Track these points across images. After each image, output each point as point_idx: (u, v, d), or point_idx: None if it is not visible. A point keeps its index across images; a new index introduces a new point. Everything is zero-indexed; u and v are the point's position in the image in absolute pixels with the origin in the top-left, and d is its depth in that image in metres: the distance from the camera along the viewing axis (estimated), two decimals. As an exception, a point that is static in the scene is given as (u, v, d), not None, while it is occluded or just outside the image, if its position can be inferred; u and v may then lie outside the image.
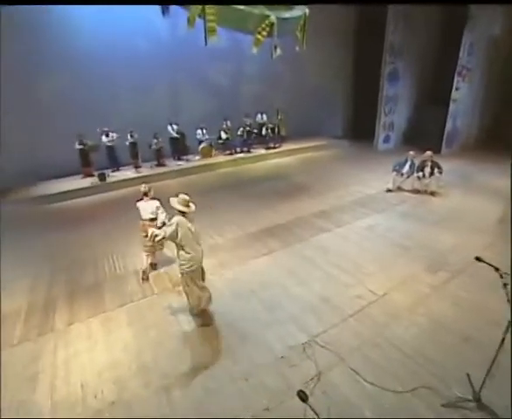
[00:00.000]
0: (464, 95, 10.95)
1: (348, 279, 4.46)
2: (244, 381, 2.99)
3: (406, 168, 7.63)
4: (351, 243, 5.49)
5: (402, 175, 7.66)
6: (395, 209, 6.85)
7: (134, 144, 9.93)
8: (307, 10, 7.21)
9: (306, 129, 13.37)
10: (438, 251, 5.11)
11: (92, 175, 9.33)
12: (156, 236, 3.52)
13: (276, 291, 4.28)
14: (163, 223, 4.41)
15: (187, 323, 3.78)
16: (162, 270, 4.94)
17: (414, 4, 10.63)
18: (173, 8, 6.57)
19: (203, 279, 3.86)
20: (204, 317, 3.83)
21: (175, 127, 10.64)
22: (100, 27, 9.34)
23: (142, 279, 4.65)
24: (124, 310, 4.05)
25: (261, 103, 12.37)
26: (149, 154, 10.27)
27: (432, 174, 7.28)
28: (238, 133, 11.72)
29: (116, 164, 9.98)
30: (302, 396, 1.48)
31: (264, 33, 6.42)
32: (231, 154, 11.75)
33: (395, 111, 12.13)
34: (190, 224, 3.62)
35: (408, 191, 7.66)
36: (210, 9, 5.79)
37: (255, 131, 12.08)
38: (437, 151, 8.40)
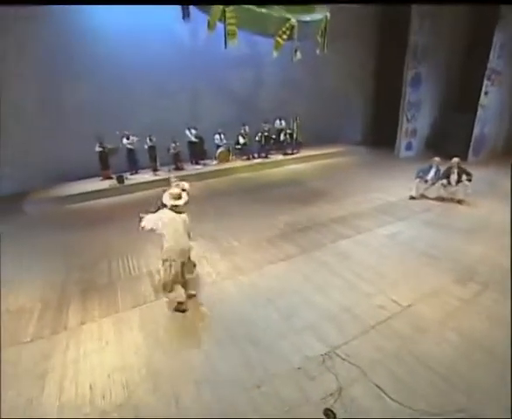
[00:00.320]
0: (493, 100, 10.47)
1: (369, 288, 4.22)
2: (257, 390, 2.81)
3: (431, 174, 7.29)
4: (372, 251, 5.23)
5: (426, 181, 7.33)
6: (418, 217, 6.52)
7: (152, 147, 10.02)
8: (328, 14, 7.09)
9: (324, 135, 13.16)
10: (466, 262, 4.79)
11: (110, 178, 9.46)
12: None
13: (293, 299, 4.09)
14: None
15: (201, 328, 3.64)
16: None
17: (428, 4, 10.33)
18: (193, 12, 6.60)
19: (183, 275, 3.86)
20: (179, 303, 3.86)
21: (193, 131, 10.69)
22: (122, 33, 9.53)
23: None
24: (137, 311, 3.95)
25: (280, 109, 12.26)
26: (168, 157, 10.34)
27: (459, 181, 6.91)
28: (256, 138, 11.67)
29: (135, 167, 10.10)
30: (330, 416, 1.29)
31: (284, 36, 6.33)
32: (248, 159, 11.69)
33: (418, 117, 11.74)
34: (177, 216, 3.72)
35: (432, 199, 7.30)
36: (230, 12, 5.77)
37: (273, 137, 11.99)
38: (463, 159, 8.02)
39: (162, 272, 3.85)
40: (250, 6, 5.92)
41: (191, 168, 10.68)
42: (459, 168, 6.97)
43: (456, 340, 3.31)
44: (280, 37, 6.30)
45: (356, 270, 4.68)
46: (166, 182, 8.30)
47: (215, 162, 11.24)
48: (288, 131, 12.06)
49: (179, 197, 3.78)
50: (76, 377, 3.04)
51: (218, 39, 5.99)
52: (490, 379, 2.84)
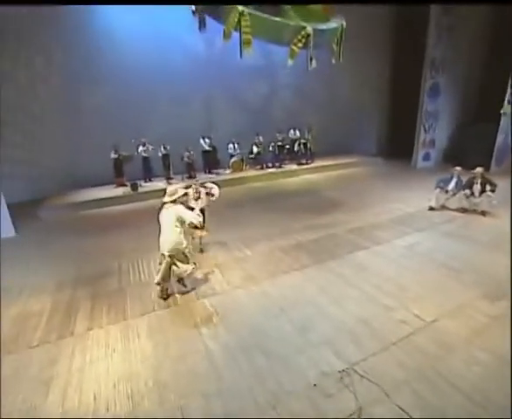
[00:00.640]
0: (516, 108, 10.10)
1: (389, 301, 3.97)
2: (271, 409, 2.62)
3: (452, 184, 7.00)
4: (391, 263, 4.99)
5: (447, 192, 7.03)
6: (439, 229, 6.23)
7: (166, 156, 10.09)
8: (343, 22, 7.02)
9: (338, 146, 13.02)
10: (493, 276, 4.47)
11: (124, 185, 9.54)
12: None
13: (308, 311, 3.89)
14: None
15: (211, 338, 3.48)
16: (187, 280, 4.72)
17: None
18: (209, 22, 6.66)
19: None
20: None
21: (207, 140, 10.73)
22: (139, 42, 9.77)
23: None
24: (145, 319, 3.83)
25: (294, 119, 12.22)
26: (181, 166, 10.38)
27: (482, 192, 6.60)
28: (270, 148, 11.62)
29: (150, 175, 10.18)
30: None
31: (299, 45, 6.27)
32: (262, 168, 11.63)
33: (436, 127, 11.45)
34: (168, 209, 4.10)
35: (454, 210, 6.99)
36: (245, 21, 5.77)
37: (287, 146, 11.93)
38: (485, 169, 7.68)
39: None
40: (265, 15, 5.92)
41: (204, 177, 10.65)
42: (482, 178, 6.67)
43: (485, 359, 3.04)
44: (296, 45, 6.25)
45: (373, 282, 4.45)
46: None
47: (228, 171, 11.21)
48: (302, 141, 11.96)
49: (172, 194, 4.20)
50: (80, 385, 2.92)
51: (233, 49, 6.01)
52: (528, 405, 2.56)
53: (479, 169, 6.77)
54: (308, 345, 3.32)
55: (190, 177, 10.51)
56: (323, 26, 6.72)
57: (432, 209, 7.08)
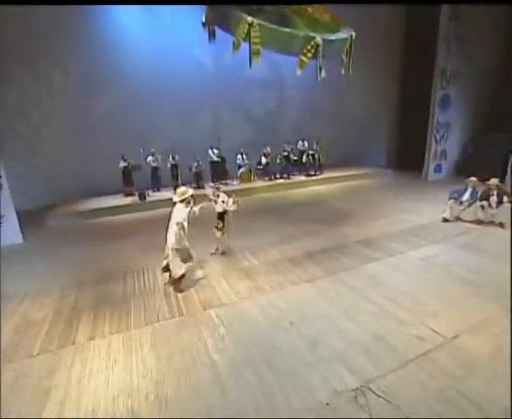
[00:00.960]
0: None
1: (405, 316, 3.76)
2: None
3: (467, 195, 6.77)
4: (406, 275, 4.77)
5: (461, 203, 6.81)
6: (455, 241, 5.99)
7: (175, 166, 10.09)
8: (353, 33, 6.99)
9: (347, 157, 12.90)
10: (514, 290, 4.23)
11: (132, 195, 9.55)
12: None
13: (319, 324, 3.69)
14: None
15: (217, 351, 3.31)
16: (192, 288, 4.59)
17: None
18: (218, 33, 6.71)
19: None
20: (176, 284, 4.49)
21: (215, 151, 10.72)
22: (148, 54, 9.91)
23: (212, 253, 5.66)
24: (149, 330, 3.69)
25: (302, 130, 12.19)
26: (190, 176, 10.36)
27: (500, 203, 6.36)
28: (278, 160, 11.57)
29: (158, 184, 10.19)
30: None
31: (309, 55, 6.23)
32: (270, 179, 11.55)
33: (447, 139, 11.25)
34: (179, 210, 4.39)
35: (469, 222, 6.75)
36: (254, 32, 5.77)
37: (295, 158, 11.85)
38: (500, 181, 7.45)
39: None
40: (274, 26, 5.93)
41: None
42: (499, 188, 6.44)
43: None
44: (305, 55, 6.20)
45: (388, 295, 4.24)
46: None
47: (236, 182, 11.15)
48: (311, 152, 11.88)
49: (182, 194, 4.51)
50: (79, 397, 2.77)
51: (242, 61, 6.02)
52: None
53: (494, 180, 6.54)
54: (319, 360, 3.13)
55: (198, 187, 10.48)
56: (332, 37, 6.69)
57: (445, 220, 6.85)
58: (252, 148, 11.24)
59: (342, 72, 6.97)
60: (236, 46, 5.92)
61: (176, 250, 4.34)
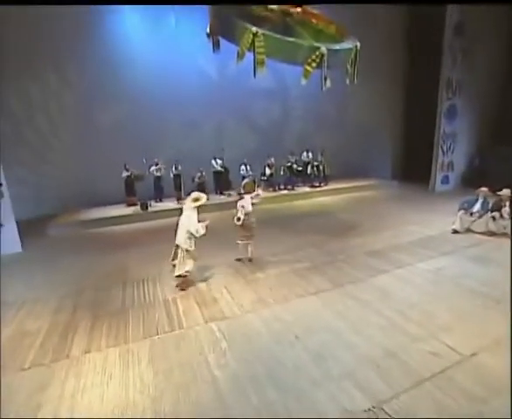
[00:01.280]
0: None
1: (416, 330, 3.58)
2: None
3: (477, 206, 6.60)
4: (415, 288, 4.60)
5: (471, 214, 6.64)
6: (465, 252, 5.81)
7: (178, 176, 10.04)
8: (358, 43, 6.99)
9: (352, 169, 12.79)
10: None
11: (135, 204, 9.49)
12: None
13: (325, 338, 3.52)
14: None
15: (218, 367, 3.14)
16: (194, 300, 4.45)
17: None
18: (222, 45, 6.75)
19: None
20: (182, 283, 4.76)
21: (219, 161, 10.68)
22: (152, 63, 9.96)
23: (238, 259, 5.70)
24: (147, 343, 3.54)
25: (306, 141, 12.15)
26: (193, 186, 10.29)
27: (513, 214, 6.20)
28: (281, 172, 11.52)
29: (161, 195, 10.14)
30: None
31: (314, 64, 6.22)
32: (274, 190, 11.45)
33: (454, 150, 11.14)
34: (189, 213, 4.63)
35: (480, 233, 6.57)
36: (259, 42, 5.79)
37: (299, 169, 11.78)
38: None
39: None
40: (278, 35, 5.94)
41: (216, 198, 10.55)
42: (511, 200, 6.27)
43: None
44: (310, 65, 6.19)
45: (397, 308, 4.07)
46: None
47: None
48: (315, 163, 11.82)
49: (196, 200, 4.73)
50: (71, 414, 2.62)
51: (246, 72, 6.03)
52: None
53: (506, 191, 6.38)
54: (327, 377, 2.95)
55: (201, 198, 10.40)
56: (337, 46, 6.69)
57: (455, 232, 6.68)
58: (256, 159, 11.19)
59: (347, 82, 6.95)
60: (240, 56, 5.93)
61: (186, 250, 4.61)
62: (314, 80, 6.19)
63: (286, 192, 11.36)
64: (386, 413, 2.51)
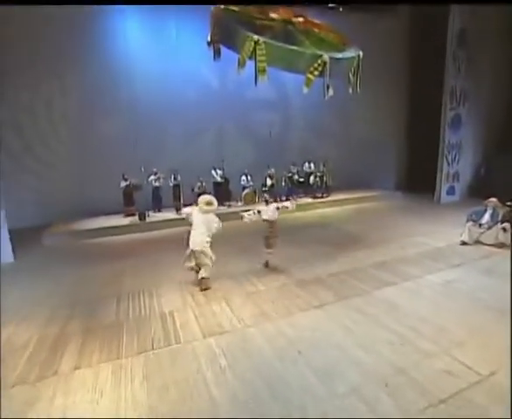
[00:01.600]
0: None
1: (428, 346, 3.42)
2: None
3: (486, 217, 6.50)
4: (425, 301, 4.45)
5: (480, 225, 6.52)
6: (475, 265, 5.67)
7: (177, 186, 9.99)
8: (360, 52, 7.02)
9: (355, 180, 12.75)
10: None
11: (133, 215, 9.40)
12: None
13: (331, 354, 3.36)
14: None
15: (217, 385, 2.98)
16: (192, 313, 4.30)
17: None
18: (223, 54, 6.78)
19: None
20: (202, 283, 4.98)
21: (219, 171, 10.64)
22: (151, 72, 10.05)
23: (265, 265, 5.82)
24: (142, 358, 3.38)
25: (308, 151, 12.16)
26: (192, 197, 10.22)
27: (524, 225, 6.08)
28: (283, 183, 11.47)
29: (159, 205, 10.07)
30: None
31: (316, 73, 6.22)
32: (275, 201, 11.35)
33: (459, 160, 11.10)
34: (205, 216, 4.98)
35: (490, 245, 6.43)
36: (260, 50, 5.80)
37: (300, 180, 11.74)
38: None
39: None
40: (280, 43, 5.96)
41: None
42: (521, 210, 6.18)
43: None
44: (312, 73, 6.19)
45: (406, 322, 3.91)
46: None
47: (240, 204, 10.98)
48: (318, 174, 11.78)
49: (209, 204, 5.08)
50: (57, 438, 2.45)
51: (246, 82, 6.04)
52: None
53: (516, 201, 6.30)
54: (334, 396, 2.79)
55: (201, 209, 10.32)
56: (339, 55, 6.71)
57: (464, 243, 6.55)
58: (257, 169, 11.16)
59: (350, 91, 6.94)
60: (241, 64, 5.94)
61: (203, 252, 4.88)
62: (315, 90, 6.18)
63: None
64: (399, 436, 2.35)
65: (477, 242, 6.57)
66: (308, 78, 6.19)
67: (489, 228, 6.46)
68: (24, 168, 9.26)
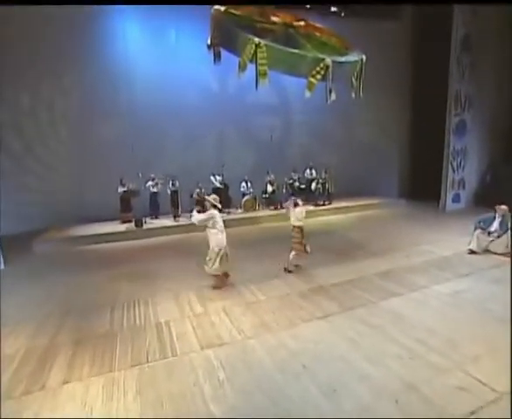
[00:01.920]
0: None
1: (439, 360, 3.29)
2: None
3: (495, 225, 6.40)
4: (433, 312, 4.32)
5: (489, 233, 6.42)
6: (485, 274, 5.55)
7: (175, 192, 9.90)
8: (363, 57, 7.00)
9: (357, 187, 12.66)
10: None
11: (130, 221, 9.30)
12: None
13: (336, 368, 3.24)
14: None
15: (215, 400, 2.85)
16: (189, 324, 4.17)
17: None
18: (223, 59, 6.75)
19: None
20: (218, 280, 5.28)
21: (218, 177, 10.56)
22: (149, 75, 10.05)
23: (285, 269, 5.91)
24: (135, 372, 3.24)
25: (310, 157, 12.09)
26: (191, 203, 10.13)
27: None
28: (284, 190, 11.39)
29: (157, 211, 9.98)
30: None
31: (318, 76, 6.17)
32: (276, 208, 11.27)
33: (465, 166, 11.05)
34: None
35: (499, 254, 6.32)
36: (262, 53, 5.77)
37: (302, 186, 11.67)
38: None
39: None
40: (282, 46, 5.93)
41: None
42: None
43: None
44: (314, 77, 6.14)
45: (415, 334, 3.78)
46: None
47: (240, 211, 10.89)
48: (321, 181, 11.72)
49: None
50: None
51: (246, 86, 6.01)
52: None
53: (527, 209, 6.20)
54: (341, 413, 2.66)
55: (200, 216, 10.21)
56: (342, 59, 6.68)
57: (472, 252, 6.44)
58: (258, 175, 11.10)
59: (353, 95, 6.90)
60: (242, 67, 5.89)
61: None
62: (317, 94, 6.13)
63: (288, 210, 11.16)
64: (412, 459, 2.21)
65: (486, 250, 6.46)
66: (311, 82, 6.14)
67: (499, 236, 6.35)
68: (15, 172, 9.16)
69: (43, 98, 9.41)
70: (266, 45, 5.73)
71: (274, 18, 6.80)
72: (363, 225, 9.70)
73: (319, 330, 3.99)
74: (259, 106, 11.06)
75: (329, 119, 12.03)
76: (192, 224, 9.53)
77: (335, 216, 11.09)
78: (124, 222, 9.42)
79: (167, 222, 9.57)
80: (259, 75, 5.83)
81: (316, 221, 10.58)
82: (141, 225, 8.96)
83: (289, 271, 5.89)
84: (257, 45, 5.66)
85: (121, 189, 9.30)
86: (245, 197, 11.04)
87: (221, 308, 4.61)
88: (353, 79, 6.83)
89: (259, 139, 11.89)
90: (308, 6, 10.40)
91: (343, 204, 11.72)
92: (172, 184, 9.86)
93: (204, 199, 5.66)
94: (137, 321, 4.32)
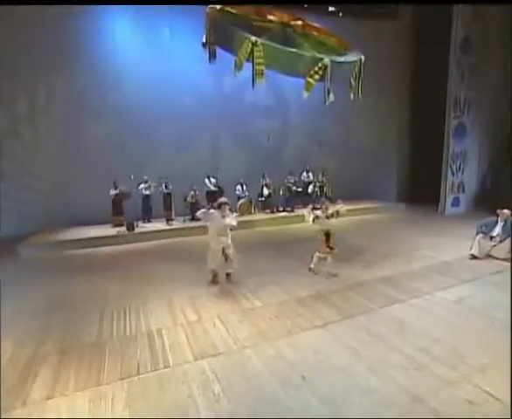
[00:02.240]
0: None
1: (445, 371, 3.19)
2: None
3: (497, 229, 6.37)
4: (437, 320, 4.24)
5: (491, 238, 6.39)
6: (488, 280, 5.50)
7: (168, 195, 9.78)
8: (362, 57, 6.97)
9: (355, 190, 12.60)
10: None
11: (121, 225, 9.15)
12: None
13: (338, 380, 3.12)
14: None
15: (210, 412, 2.72)
16: (183, 333, 4.04)
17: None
18: (219, 54, 6.67)
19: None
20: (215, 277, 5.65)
21: (212, 180, 10.47)
22: (142, 75, 9.97)
23: (310, 269, 6.01)
24: (125, 384, 3.10)
25: (307, 161, 12.09)
26: (184, 207, 10.01)
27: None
28: (281, 193, 11.33)
29: (149, 215, 9.87)
30: None
31: (316, 77, 6.13)
32: (272, 212, 11.21)
33: (464, 170, 11.09)
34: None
35: (502, 259, 6.28)
36: (258, 52, 5.71)
37: (298, 190, 11.62)
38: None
39: None
40: (279, 46, 5.88)
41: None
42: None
43: None
44: (312, 77, 6.10)
45: (419, 344, 3.69)
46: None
47: (235, 214, 10.75)
48: (318, 184, 11.67)
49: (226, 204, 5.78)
50: None
51: (243, 85, 5.94)
52: None
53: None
54: (344, 429, 2.55)
55: (193, 219, 10.08)
56: (341, 59, 6.65)
57: (474, 257, 6.40)
58: (253, 178, 11.03)
59: (351, 96, 6.86)
60: (238, 66, 5.83)
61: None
62: (315, 95, 6.09)
63: (284, 214, 11.11)
64: None
65: (488, 255, 6.43)
66: (308, 82, 6.10)
67: (501, 241, 6.32)
68: (7, 175, 8.98)
69: (31, 98, 9.26)
70: (262, 44, 5.68)
71: (271, 17, 6.75)
72: (361, 230, 9.66)
73: (318, 339, 3.88)
74: (256, 106, 11.03)
75: (328, 121, 12.03)
76: (185, 228, 9.53)
77: (332, 220, 10.99)
78: (116, 225, 9.28)
79: (159, 225, 9.45)
80: (256, 74, 5.77)
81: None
82: (133, 229, 8.82)
83: (334, 275, 5.90)
84: (253, 44, 5.60)
85: (112, 192, 9.17)
86: (241, 201, 10.94)
87: (216, 315, 4.49)
88: (352, 80, 6.80)
89: (255, 140, 11.82)
90: (306, 5, 10.39)
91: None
92: (165, 187, 9.74)
93: (227, 203, 5.99)
94: (127, 330, 4.17)
